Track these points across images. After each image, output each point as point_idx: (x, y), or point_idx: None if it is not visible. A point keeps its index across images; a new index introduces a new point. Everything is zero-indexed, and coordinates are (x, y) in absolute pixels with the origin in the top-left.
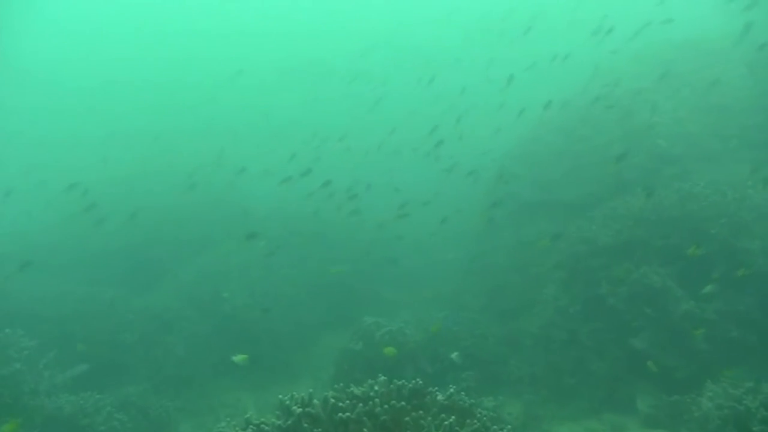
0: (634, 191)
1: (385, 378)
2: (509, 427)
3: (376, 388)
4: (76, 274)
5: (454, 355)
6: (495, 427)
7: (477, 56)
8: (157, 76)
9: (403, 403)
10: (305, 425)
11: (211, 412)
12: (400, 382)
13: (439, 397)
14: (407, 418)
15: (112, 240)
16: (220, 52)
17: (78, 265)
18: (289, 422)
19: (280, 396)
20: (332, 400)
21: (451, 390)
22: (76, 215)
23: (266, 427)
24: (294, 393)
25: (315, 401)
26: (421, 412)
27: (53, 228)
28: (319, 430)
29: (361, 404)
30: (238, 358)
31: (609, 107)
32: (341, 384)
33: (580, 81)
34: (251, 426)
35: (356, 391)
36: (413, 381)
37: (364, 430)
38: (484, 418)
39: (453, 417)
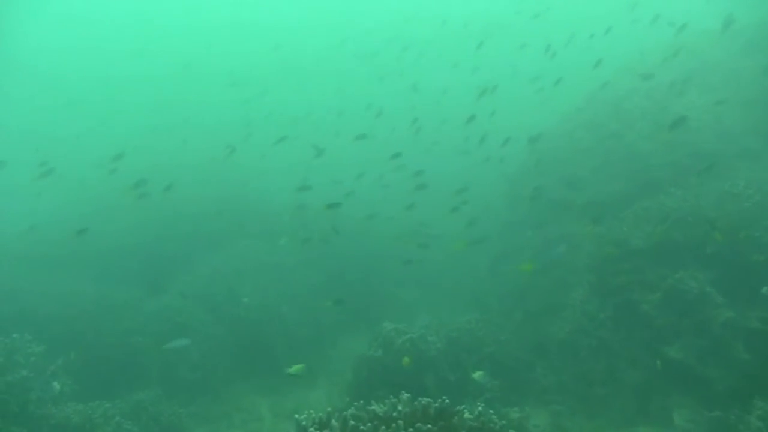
0: (667, 190)
1: (409, 395)
2: None
3: (399, 407)
4: (88, 272)
5: (478, 375)
6: None
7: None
8: (168, 70)
9: (429, 425)
10: None
11: (225, 417)
12: (425, 401)
13: (467, 415)
14: None
15: (124, 236)
16: (235, 44)
17: (90, 262)
18: None
19: (297, 416)
20: (352, 422)
21: (480, 408)
22: (88, 210)
23: None
24: (311, 411)
25: (333, 422)
26: None
27: (65, 224)
28: None
29: (383, 426)
30: (294, 369)
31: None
32: (361, 401)
33: (609, 73)
34: None
35: (378, 409)
36: (439, 400)
37: None
38: None
39: None
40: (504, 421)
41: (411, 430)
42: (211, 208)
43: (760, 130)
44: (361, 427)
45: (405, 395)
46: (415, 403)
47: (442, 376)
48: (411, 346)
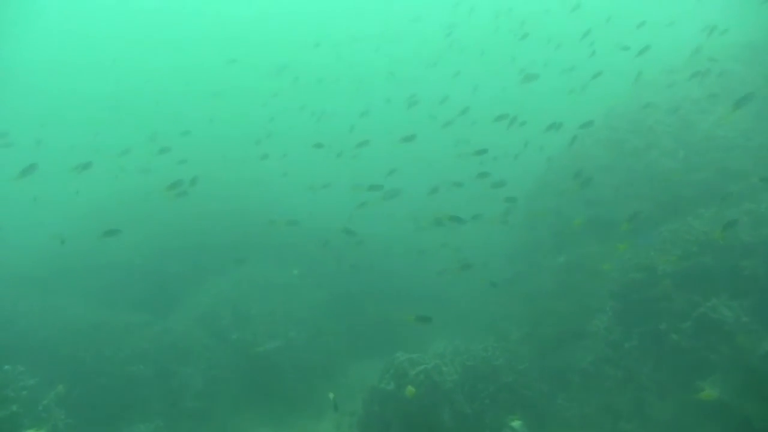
0: (696, 211)
1: None
2: None
3: None
4: (92, 293)
5: (517, 424)
6: None
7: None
8: (191, 83)
9: None
10: None
11: None
12: None
13: None
14: None
15: (130, 256)
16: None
17: (95, 283)
18: None
19: None
20: None
21: None
22: (93, 226)
23: None
24: None
25: None
26: None
27: (70, 242)
28: None
29: None
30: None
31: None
32: None
33: (627, 88)
34: None
35: None
36: None
37: None
38: None
39: None
40: None
41: None
42: (222, 226)
43: None
44: None
45: None
46: None
47: (458, 409)
48: (425, 378)
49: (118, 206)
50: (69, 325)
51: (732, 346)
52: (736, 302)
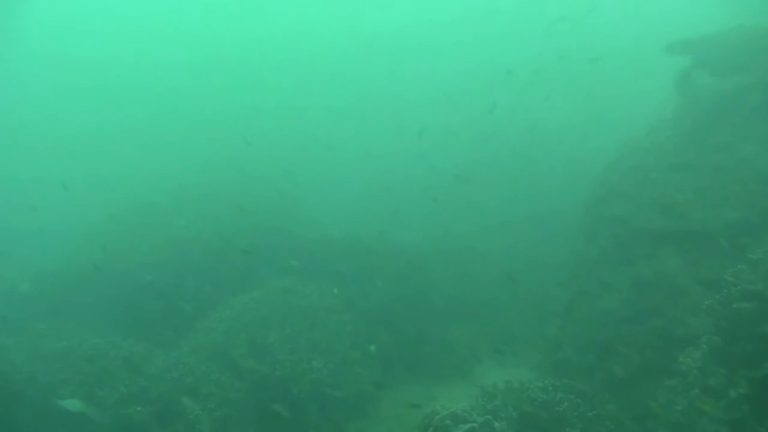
0: None
1: None
2: None
3: None
4: (91, 317)
5: None
6: None
7: None
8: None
9: None
10: None
11: None
12: None
13: None
14: None
15: (138, 274)
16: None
17: (95, 303)
18: None
19: None
20: None
21: None
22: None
23: None
24: None
25: None
26: None
27: (71, 256)
28: None
29: None
30: None
31: None
32: None
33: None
34: None
35: None
36: None
37: None
38: None
39: None
40: None
41: None
42: (240, 242)
43: None
44: None
45: None
46: None
47: None
48: None
49: (126, 214)
50: (60, 359)
51: None
52: None
